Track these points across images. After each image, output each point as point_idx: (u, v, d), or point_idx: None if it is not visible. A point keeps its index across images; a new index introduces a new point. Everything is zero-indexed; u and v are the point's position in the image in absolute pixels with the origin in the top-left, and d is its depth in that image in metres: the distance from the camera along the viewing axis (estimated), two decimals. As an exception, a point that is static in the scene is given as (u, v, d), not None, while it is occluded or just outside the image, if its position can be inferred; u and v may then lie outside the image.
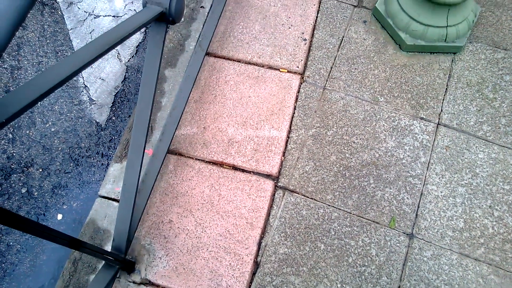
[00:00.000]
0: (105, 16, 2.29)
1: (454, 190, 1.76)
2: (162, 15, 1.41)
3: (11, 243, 1.74)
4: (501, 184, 1.77)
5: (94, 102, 2.05)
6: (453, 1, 1.87)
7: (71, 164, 1.91)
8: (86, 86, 2.09)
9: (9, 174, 1.87)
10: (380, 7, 2.12)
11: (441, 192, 1.76)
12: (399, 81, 2.00)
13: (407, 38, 2.04)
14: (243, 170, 1.80)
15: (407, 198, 1.74)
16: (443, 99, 1.97)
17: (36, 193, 1.84)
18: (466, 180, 1.78)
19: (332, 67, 2.04)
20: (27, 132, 1.97)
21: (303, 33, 2.12)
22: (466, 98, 1.97)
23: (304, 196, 1.75)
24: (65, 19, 2.28)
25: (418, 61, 2.06)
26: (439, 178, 1.79)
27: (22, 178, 1.87)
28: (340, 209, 1.73)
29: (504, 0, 2.23)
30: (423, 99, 1.96)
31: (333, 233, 1.68)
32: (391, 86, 1.99)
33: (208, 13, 2.17)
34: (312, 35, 2.13)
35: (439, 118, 1.92)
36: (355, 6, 2.21)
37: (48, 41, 2.21)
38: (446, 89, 1.99)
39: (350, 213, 1.72)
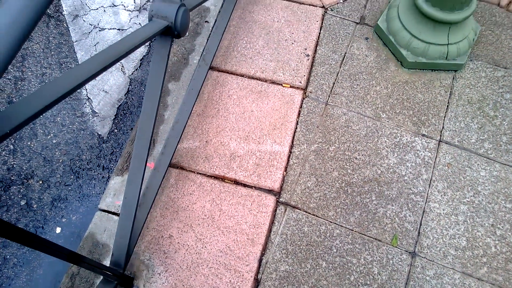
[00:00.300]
0: (110, 29, 2.31)
1: (456, 208, 1.75)
2: (168, 29, 1.42)
3: (8, 257, 1.72)
4: (503, 202, 1.77)
5: (96, 115, 2.05)
6: (454, 20, 1.89)
7: (72, 176, 1.90)
8: (89, 98, 2.09)
9: (9, 186, 1.85)
10: (382, 24, 2.15)
11: (443, 210, 1.75)
12: (400, 97, 2.01)
13: (409, 55, 2.05)
14: (244, 185, 1.79)
15: (409, 216, 1.73)
16: (445, 116, 1.97)
17: (35, 206, 1.82)
18: (468, 198, 1.78)
19: (334, 83, 2.05)
20: (28, 143, 1.96)
21: (306, 49, 2.14)
22: (467, 116, 1.98)
23: (306, 212, 1.74)
24: (70, 31, 2.30)
25: (419, 78, 2.07)
26: (441, 195, 1.78)
27: (21, 190, 1.85)
28: (342, 226, 1.71)
29: (504, 19, 2.26)
30: (424, 116, 1.97)
31: (334, 250, 1.67)
32: (393, 103, 2.00)
33: (213, 28, 2.19)
34: (315, 51, 2.14)
35: (440, 135, 1.92)
36: (357, 23, 2.23)
37: (52, 53, 2.22)
38: (448, 106, 2.00)
39: (352, 230, 1.71)
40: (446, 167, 1.85)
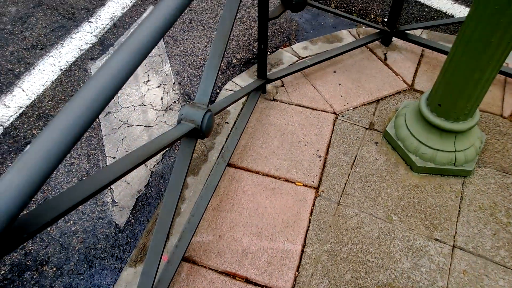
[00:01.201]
0: (138, 125, 2.52)
1: (476, 320, 1.68)
2: (194, 130, 1.56)
3: None
4: (525, 316, 1.69)
5: (116, 204, 2.14)
6: (459, 129, 2.02)
7: (85, 265, 1.91)
8: (111, 188, 2.20)
9: (23, 271, 1.87)
10: (390, 130, 2.29)
11: (462, 321, 1.67)
12: (412, 200, 2.06)
13: (418, 160, 2.15)
14: (255, 284, 1.77)
15: (427, 326, 1.66)
16: (457, 221, 1.99)
17: (45, 294, 1.82)
18: (488, 310, 1.71)
19: (346, 184, 2.13)
20: (48, 229, 2.02)
21: (318, 150, 2.27)
22: (480, 221, 1.99)
23: (317, 316, 1.68)
24: (101, 126, 2.51)
25: (429, 182, 2.14)
26: (459, 305, 1.72)
27: (35, 276, 1.86)
28: (355, 333, 1.64)
29: (508, 129, 2.39)
30: (436, 220, 1.99)
31: None
32: (404, 206, 2.04)
33: (232, 128, 2.37)
34: (327, 153, 2.27)
35: (454, 241, 1.92)
36: (366, 129, 2.39)
37: (82, 144, 2.40)
38: (459, 211, 2.03)
39: (366, 338, 1.63)
40: (462, 274, 1.81)
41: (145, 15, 3.31)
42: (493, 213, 2.02)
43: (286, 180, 2.15)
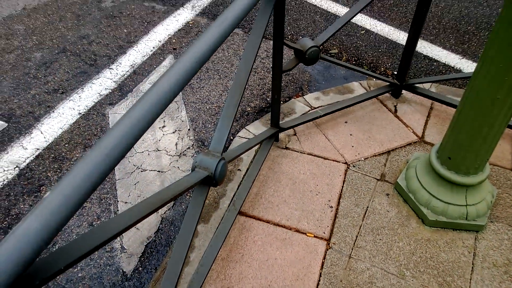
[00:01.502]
0: (151, 170, 2.56)
1: None
2: (207, 178, 1.59)
3: None
4: None
5: (125, 251, 2.13)
6: (470, 183, 2.01)
7: (90, 313, 1.88)
8: (121, 233, 2.20)
9: (27, 318, 1.84)
10: (401, 182, 2.29)
11: None
12: (424, 255, 2.02)
13: (429, 213, 2.13)
14: None
15: None
16: (470, 279, 1.93)
17: None
18: None
19: (357, 236, 2.10)
20: (56, 274, 2.01)
21: (329, 201, 2.27)
22: (495, 280, 1.93)
23: None
24: (115, 170, 2.55)
25: (441, 236, 2.11)
26: None
27: (39, 324, 1.83)
28: None
29: (520, 184, 2.37)
30: (450, 277, 1.94)
31: None
32: (417, 260, 2.00)
33: (244, 176, 2.40)
34: (338, 203, 2.26)
35: (469, 300, 1.86)
36: (378, 180, 2.39)
37: (95, 188, 2.43)
38: (473, 268, 1.98)
39: None
40: (480, 337, 1.73)
41: (164, 63, 3.46)
42: (507, 271, 1.96)
43: (297, 231, 2.13)
